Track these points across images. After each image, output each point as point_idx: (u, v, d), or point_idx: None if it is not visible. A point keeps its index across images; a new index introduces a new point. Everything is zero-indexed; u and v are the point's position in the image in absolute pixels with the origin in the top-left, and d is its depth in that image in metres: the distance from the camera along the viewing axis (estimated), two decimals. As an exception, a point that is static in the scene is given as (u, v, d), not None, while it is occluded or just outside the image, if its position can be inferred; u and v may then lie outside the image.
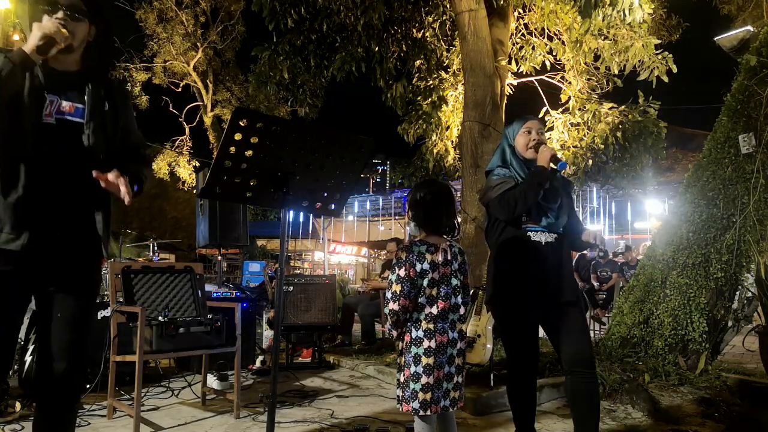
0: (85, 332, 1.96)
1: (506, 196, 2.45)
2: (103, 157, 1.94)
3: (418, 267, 2.18)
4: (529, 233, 2.48)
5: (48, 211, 1.84)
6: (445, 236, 2.31)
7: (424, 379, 2.13)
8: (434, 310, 2.19)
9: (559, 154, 2.46)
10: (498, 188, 2.51)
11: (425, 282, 2.18)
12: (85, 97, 1.92)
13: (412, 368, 2.16)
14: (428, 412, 2.13)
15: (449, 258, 2.25)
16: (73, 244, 1.90)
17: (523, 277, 2.48)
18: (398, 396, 2.23)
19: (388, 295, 2.20)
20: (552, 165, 2.42)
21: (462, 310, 2.26)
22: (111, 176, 1.82)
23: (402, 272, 2.17)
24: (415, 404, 2.14)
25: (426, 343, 2.15)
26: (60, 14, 1.81)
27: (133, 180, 1.93)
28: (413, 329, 2.18)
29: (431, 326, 2.17)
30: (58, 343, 1.88)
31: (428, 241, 2.25)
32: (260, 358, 5.06)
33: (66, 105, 1.87)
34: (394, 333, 2.25)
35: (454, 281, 2.24)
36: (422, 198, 2.28)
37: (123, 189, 1.82)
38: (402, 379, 2.21)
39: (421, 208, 2.28)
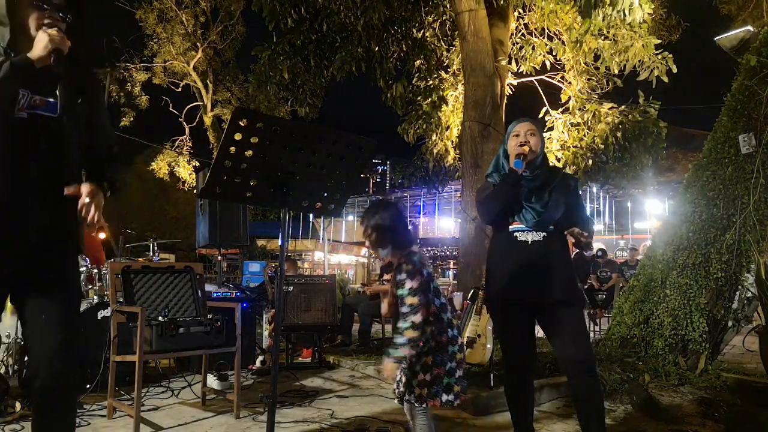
0: (75, 331, 1.92)
1: (484, 199, 2.58)
2: (77, 153, 1.89)
3: (425, 272, 2.19)
4: (516, 233, 2.54)
5: (22, 207, 1.78)
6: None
7: (458, 373, 2.22)
8: (450, 312, 2.28)
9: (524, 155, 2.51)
10: (481, 193, 2.65)
11: (432, 285, 2.25)
12: (57, 91, 1.85)
13: (449, 365, 2.21)
14: (457, 401, 2.23)
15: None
16: (48, 240, 1.85)
17: (509, 277, 2.52)
18: (422, 394, 2.18)
19: (404, 309, 2.14)
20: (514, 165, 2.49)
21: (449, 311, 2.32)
22: (85, 192, 1.83)
23: (415, 284, 2.15)
24: (450, 396, 2.20)
25: (459, 340, 2.27)
26: (53, 13, 1.76)
27: (107, 186, 1.93)
28: (449, 329, 2.25)
29: (455, 323, 2.28)
30: (49, 345, 1.82)
31: (413, 250, 2.25)
32: (260, 358, 5.06)
33: (37, 99, 1.80)
34: (414, 351, 2.16)
35: (433, 284, 2.29)
36: (385, 220, 2.25)
37: (91, 213, 1.83)
38: (429, 378, 2.19)
39: (388, 230, 2.24)
